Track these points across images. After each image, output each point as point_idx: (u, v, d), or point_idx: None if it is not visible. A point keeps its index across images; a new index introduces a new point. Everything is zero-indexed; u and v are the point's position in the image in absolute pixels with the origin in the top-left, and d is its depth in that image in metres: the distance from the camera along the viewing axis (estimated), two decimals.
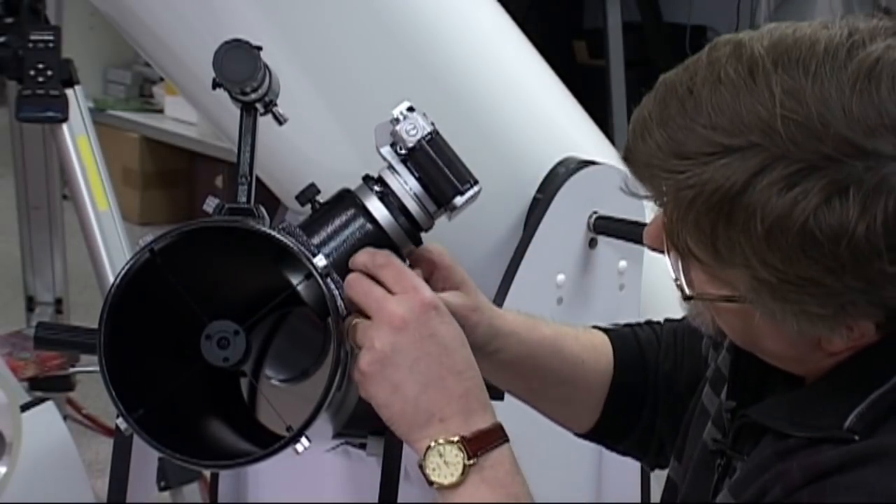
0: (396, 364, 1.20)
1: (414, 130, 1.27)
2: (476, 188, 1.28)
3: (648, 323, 1.56)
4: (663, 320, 1.56)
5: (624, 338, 1.52)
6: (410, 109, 1.27)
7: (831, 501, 1.07)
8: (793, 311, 1.09)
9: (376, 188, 1.28)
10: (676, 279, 1.16)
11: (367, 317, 1.22)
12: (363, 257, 1.24)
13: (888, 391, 1.12)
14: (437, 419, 1.19)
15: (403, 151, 1.27)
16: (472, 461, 1.18)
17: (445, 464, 1.18)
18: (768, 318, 1.11)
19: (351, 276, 1.24)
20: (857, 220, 1.02)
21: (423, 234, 1.31)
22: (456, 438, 1.18)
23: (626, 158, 1.15)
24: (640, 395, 1.49)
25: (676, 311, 1.39)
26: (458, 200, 1.28)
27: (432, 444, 1.19)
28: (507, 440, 1.22)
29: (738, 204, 1.05)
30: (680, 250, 1.13)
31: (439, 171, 1.27)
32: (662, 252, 1.19)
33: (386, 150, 1.28)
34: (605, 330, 1.53)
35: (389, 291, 1.22)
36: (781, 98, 1.04)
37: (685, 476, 1.34)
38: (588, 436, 1.52)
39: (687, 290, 1.16)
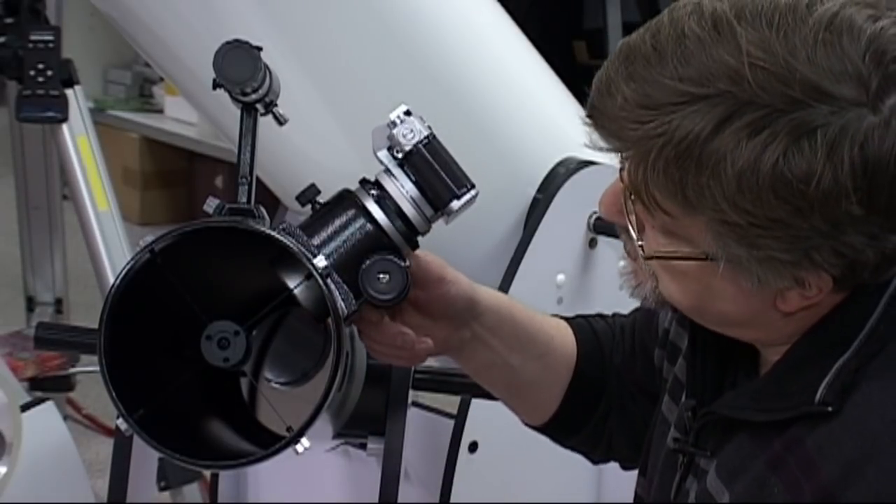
0: None
1: (411, 134, 1.27)
2: (473, 192, 1.28)
3: (601, 316, 1.56)
4: (612, 314, 1.56)
5: (582, 327, 1.53)
6: (407, 113, 1.27)
7: None
8: (758, 257, 1.10)
9: (373, 192, 1.28)
10: (635, 240, 1.18)
11: None
12: None
13: (850, 358, 1.15)
14: None
15: (400, 155, 1.27)
16: None
17: None
18: (729, 271, 1.13)
19: None
20: (824, 162, 1.05)
21: (425, 235, 1.31)
22: None
23: (591, 115, 1.16)
24: (599, 386, 1.50)
25: None
26: (455, 204, 1.28)
27: None
28: None
29: (707, 150, 1.07)
30: (646, 204, 1.14)
31: (436, 174, 1.27)
32: (615, 225, 1.22)
33: (383, 154, 1.28)
34: (562, 318, 1.54)
35: None
36: (748, 48, 1.07)
37: (650, 487, 1.35)
38: (545, 427, 1.53)
39: (645, 252, 1.17)
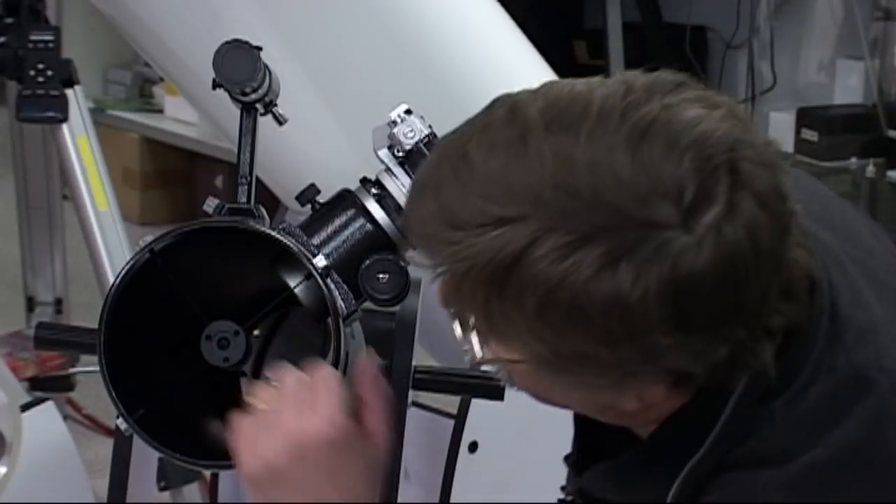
0: None
1: (411, 133, 1.27)
2: None
3: None
4: None
5: None
6: (408, 112, 1.28)
7: None
8: (573, 382, 1.06)
9: (374, 191, 1.28)
10: (464, 344, 1.11)
11: None
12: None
13: (701, 459, 1.09)
14: None
15: (401, 154, 1.28)
16: None
17: None
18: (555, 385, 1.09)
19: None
20: (629, 291, 0.99)
21: None
22: None
23: (404, 227, 1.12)
24: None
25: None
26: None
27: None
28: None
29: (511, 276, 1.01)
30: (460, 320, 1.09)
31: None
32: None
33: (383, 153, 1.29)
34: None
35: None
36: (551, 166, 1.01)
37: None
38: None
39: (477, 355, 1.11)
